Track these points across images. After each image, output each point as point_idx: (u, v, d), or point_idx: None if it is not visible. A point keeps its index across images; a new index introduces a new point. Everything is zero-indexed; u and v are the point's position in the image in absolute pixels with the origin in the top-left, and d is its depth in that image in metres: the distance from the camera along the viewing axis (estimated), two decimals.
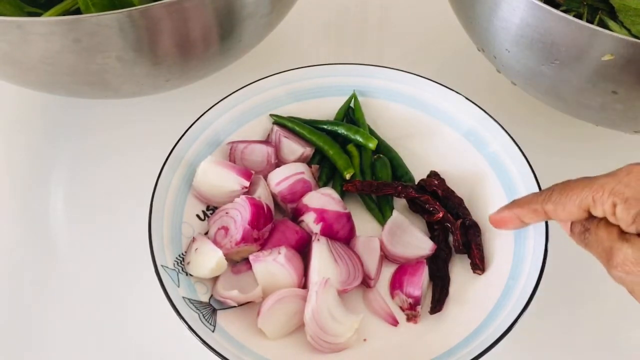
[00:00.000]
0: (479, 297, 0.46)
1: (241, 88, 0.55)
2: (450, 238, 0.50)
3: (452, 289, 0.48)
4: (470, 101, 0.54)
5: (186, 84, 0.57)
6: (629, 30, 0.50)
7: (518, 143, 0.51)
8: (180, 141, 0.51)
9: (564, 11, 0.49)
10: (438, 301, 0.47)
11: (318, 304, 0.44)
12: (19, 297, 0.50)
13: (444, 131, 0.55)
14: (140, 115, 0.62)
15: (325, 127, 0.56)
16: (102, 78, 0.48)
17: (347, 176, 0.53)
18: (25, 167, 0.59)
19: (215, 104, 0.53)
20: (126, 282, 0.51)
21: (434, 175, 0.53)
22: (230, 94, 0.54)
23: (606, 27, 0.51)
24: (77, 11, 0.51)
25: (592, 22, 0.51)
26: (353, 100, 0.57)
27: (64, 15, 0.52)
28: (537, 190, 0.48)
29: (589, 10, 0.53)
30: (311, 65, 0.57)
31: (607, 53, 0.42)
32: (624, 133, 0.56)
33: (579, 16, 0.52)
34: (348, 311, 0.45)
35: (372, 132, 0.57)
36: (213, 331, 0.43)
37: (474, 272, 0.48)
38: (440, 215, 0.50)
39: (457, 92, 0.54)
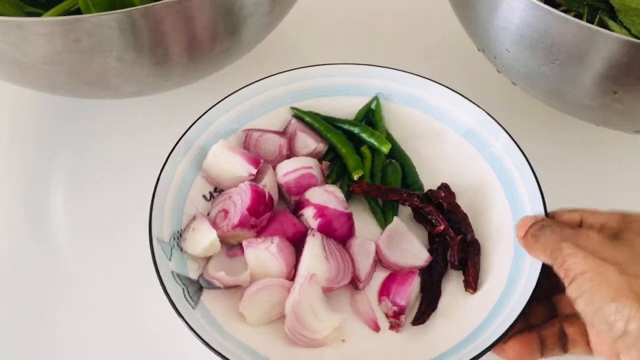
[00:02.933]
0: (466, 314, 0.46)
1: (264, 78, 0.55)
2: (449, 252, 0.50)
3: (442, 303, 0.47)
4: (480, 107, 0.54)
5: (187, 84, 0.57)
6: (629, 30, 0.50)
7: (518, 143, 0.50)
8: (197, 123, 0.52)
9: (564, 11, 0.49)
10: (423, 314, 0.46)
11: (300, 298, 0.44)
12: (19, 298, 0.50)
13: (459, 141, 0.55)
14: (140, 114, 0.62)
15: (343, 126, 0.56)
16: (102, 78, 0.48)
17: (356, 177, 0.53)
18: (26, 167, 0.59)
19: (237, 90, 0.54)
20: (127, 282, 0.51)
21: (444, 187, 0.53)
22: (253, 83, 0.55)
23: (606, 27, 0.51)
24: (77, 11, 0.51)
25: (592, 22, 0.51)
26: (374, 102, 0.57)
27: (64, 15, 0.52)
28: (539, 201, 0.47)
29: (589, 10, 0.53)
30: (336, 63, 0.57)
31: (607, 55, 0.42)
32: (624, 133, 0.56)
33: (579, 16, 0.52)
34: (331, 309, 0.45)
35: (389, 137, 0.56)
36: (194, 308, 0.44)
37: (466, 289, 0.47)
38: (442, 228, 0.49)
39: (477, 106, 0.54)
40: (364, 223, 0.53)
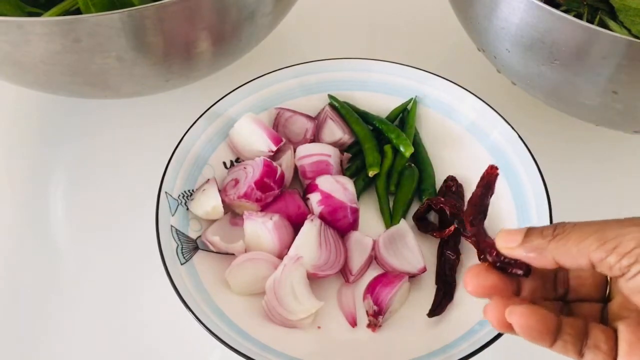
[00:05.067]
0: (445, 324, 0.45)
1: (303, 63, 0.57)
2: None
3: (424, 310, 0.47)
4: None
5: (186, 84, 0.57)
6: (629, 30, 0.50)
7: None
8: (233, 93, 0.54)
9: (564, 11, 0.49)
10: (439, 305, 0.46)
11: (282, 276, 0.45)
12: (19, 298, 0.50)
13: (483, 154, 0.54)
14: (140, 114, 0.62)
15: (374, 122, 0.56)
16: (102, 78, 0.48)
17: (371, 174, 0.53)
18: (26, 167, 0.59)
19: (276, 70, 0.56)
20: (128, 281, 0.51)
21: (450, 179, 0.53)
22: (291, 66, 0.56)
23: (606, 27, 0.51)
24: (77, 11, 0.51)
25: (592, 22, 0.51)
26: (411, 104, 0.57)
27: (64, 15, 0.52)
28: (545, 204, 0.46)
29: (589, 10, 0.53)
30: (379, 60, 0.58)
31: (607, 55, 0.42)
32: (624, 133, 0.56)
33: (579, 16, 0.52)
34: (311, 295, 0.46)
35: (417, 140, 0.56)
36: (182, 264, 0.46)
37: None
38: (452, 229, 0.48)
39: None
40: (373, 220, 0.53)
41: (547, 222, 0.46)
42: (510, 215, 0.49)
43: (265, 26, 0.55)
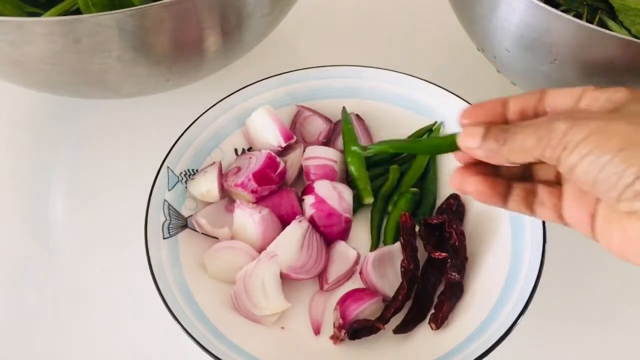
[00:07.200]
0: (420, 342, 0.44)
1: (335, 65, 0.56)
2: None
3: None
4: None
5: (186, 84, 0.57)
6: (629, 30, 0.50)
7: None
8: (258, 84, 0.54)
9: (564, 11, 0.49)
10: (408, 323, 0.45)
11: (254, 270, 0.45)
12: (20, 297, 0.50)
13: None
14: (140, 114, 0.62)
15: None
16: (102, 78, 0.48)
17: (366, 200, 0.52)
18: (26, 167, 0.59)
19: (308, 68, 0.56)
20: (128, 282, 0.51)
21: (452, 197, 0.51)
22: (316, 67, 0.56)
23: (606, 27, 0.51)
24: (77, 11, 0.51)
25: (592, 22, 0.51)
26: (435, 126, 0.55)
27: (64, 15, 0.52)
28: None
29: (589, 10, 0.53)
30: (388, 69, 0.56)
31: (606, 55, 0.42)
32: None
33: (579, 16, 0.52)
34: (281, 295, 0.46)
35: (429, 165, 0.54)
36: (165, 238, 0.46)
37: (429, 322, 0.45)
38: (445, 255, 0.46)
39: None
40: (368, 236, 0.52)
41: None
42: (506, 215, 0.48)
43: (264, 26, 0.55)
